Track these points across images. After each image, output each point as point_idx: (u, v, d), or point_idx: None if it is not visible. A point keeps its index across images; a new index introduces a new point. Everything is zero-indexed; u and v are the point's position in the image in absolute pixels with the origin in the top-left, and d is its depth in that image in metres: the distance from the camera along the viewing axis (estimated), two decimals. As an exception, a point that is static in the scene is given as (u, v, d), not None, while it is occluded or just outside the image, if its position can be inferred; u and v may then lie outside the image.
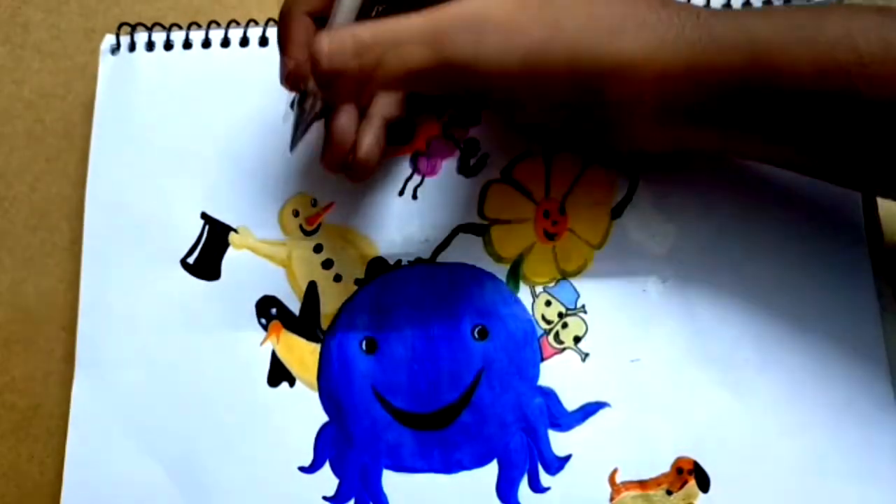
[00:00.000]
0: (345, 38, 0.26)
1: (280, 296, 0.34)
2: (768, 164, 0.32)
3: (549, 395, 0.33)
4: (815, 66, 0.27)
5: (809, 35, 0.27)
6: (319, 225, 0.35)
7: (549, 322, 0.33)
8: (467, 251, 0.34)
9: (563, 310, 0.33)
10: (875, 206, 0.33)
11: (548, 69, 0.28)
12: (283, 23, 0.30)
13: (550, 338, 0.33)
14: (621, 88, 0.28)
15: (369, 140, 0.31)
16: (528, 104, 0.29)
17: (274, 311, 0.34)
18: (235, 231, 0.35)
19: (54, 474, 0.34)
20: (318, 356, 0.34)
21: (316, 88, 0.29)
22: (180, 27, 0.37)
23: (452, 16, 0.27)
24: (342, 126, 0.31)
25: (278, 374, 0.34)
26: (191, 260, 0.35)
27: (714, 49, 0.27)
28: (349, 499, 0.32)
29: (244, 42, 0.37)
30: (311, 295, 0.34)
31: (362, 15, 0.29)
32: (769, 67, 0.27)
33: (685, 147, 0.31)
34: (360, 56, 0.26)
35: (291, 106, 0.32)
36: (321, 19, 0.30)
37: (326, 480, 0.33)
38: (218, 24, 0.37)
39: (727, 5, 0.36)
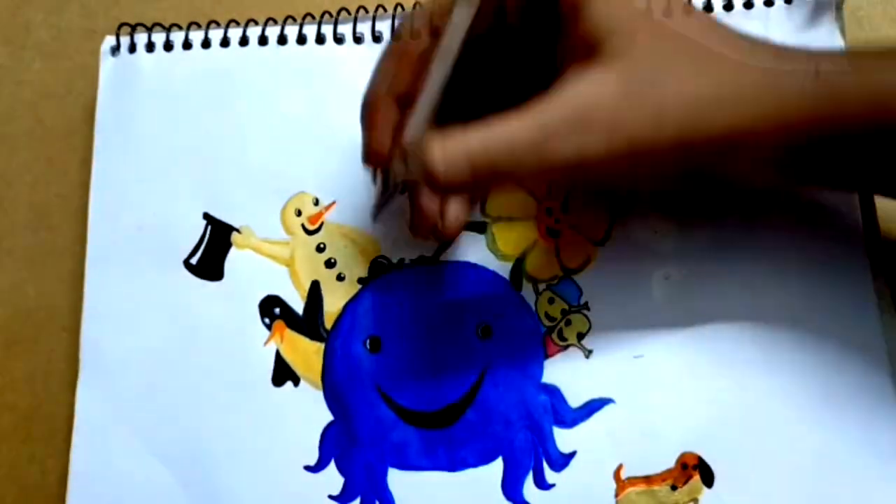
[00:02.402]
0: (458, 153, 0.26)
1: (283, 295, 0.34)
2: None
3: (554, 393, 0.33)
4: None
5: None
6: (322, 224, 0.35)
7: (552, 319, 0.33)
8: (470, 249, 0.34)
9: (567, 307, 0.33)
10: (873, 207, 0.33)
11: (655, 158, 0.27)
12: (368, 107, 0.30)
13: (554, 335, 0.33)
14: (736, 160, 0.28)
15: (454, 211, 0.31)
16: (636, 185, 0.30)
17: (277, 310, 0.34)
18: (238, 231, 0.35)
19: (55, 475, 0.34)
20: (322, 355, 0.34)
21: (400, 169, 0.29)
22: (180, 27, 0.37)
23: (558, 118, 0.26)
24: (428, 202, 0.31)
25: (283, 373, 0.34)
26: (193, 261, 0.35)
27: (839, 111, 0.26)
28: (355, 497, 0.32)
29: (244, 41, 0.37)
30: (314, 294, 0.34)
31: (448, 94, 0.28)
32: None
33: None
34: (474, 170, 0.26)
35: (373, 180, 0.32)
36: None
37: (332, 479, 0.32)
38: (217, 24, 0.37)
39: (728, 6, 0.36)
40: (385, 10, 0.37)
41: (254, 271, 0.35)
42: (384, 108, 0.30)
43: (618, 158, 0.26)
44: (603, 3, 0.27)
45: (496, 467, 0.32)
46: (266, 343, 0.34)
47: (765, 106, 0.27)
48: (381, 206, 0.32)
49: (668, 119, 0.26)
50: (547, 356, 0.33)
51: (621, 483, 0.32)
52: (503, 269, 0.34)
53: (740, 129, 0.27)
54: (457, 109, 0.28)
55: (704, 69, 0.27)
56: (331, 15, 0.37)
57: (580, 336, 0.33)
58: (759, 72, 0.27)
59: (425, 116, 0.28)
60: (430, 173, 0.26)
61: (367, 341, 0.34)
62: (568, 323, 0.33)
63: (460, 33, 0.27)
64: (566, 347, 0.33)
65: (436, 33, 0.28)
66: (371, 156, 0.30)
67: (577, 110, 0.26)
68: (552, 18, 0.28)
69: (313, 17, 0.37)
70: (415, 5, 0.37)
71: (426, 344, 0.33)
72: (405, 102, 0.29)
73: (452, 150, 0.26)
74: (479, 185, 0.27)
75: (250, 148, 0.36)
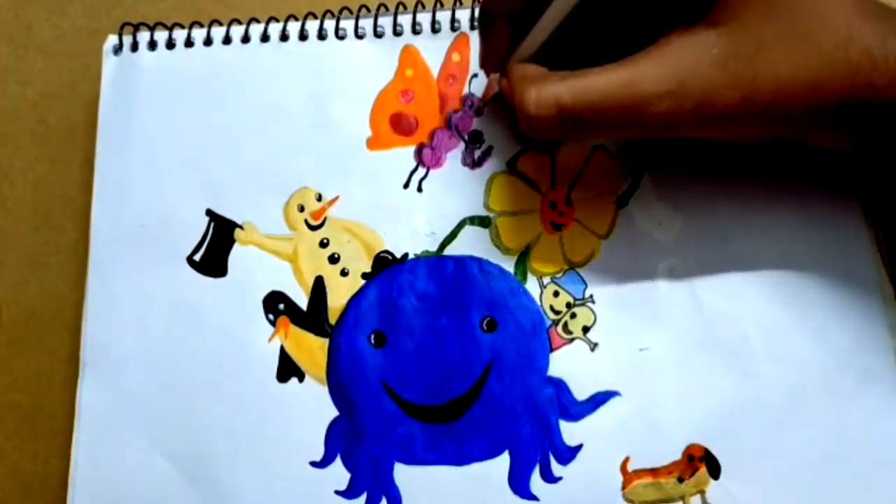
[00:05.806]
0: (549, 100, 0.28)
1: (287, 291, 0.34)
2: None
3: (560, 386, 0.33)
4: None
5: None
6: (325, 219, 0.35)
7: (557, 313, 0.33)
8: (474, 243, 0.34)
9: (572, 300, 0.33)
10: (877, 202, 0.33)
11: (742, 129, 0.28)
12: (484, 18, 0.32)
13: (559, 328, 0.33)
14: (816, 133, 0.28)
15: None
16: (719, 140, 0.30)
17: (281, 306, 0.34)
18: (241, 227, 0.35)
19: (59, 474, 0.34)
20: (326, 351, 0.34)
21: (505, 87, 0.31)
22: (182, 26, 0.38)
23: (652, 80, 0.27)
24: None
25: (287, 369, 0.33)
26: (197, 257, 0.35)
27: None
28: (361, 493, 0.32)
29: (246, 39, 0.37)
30: (318, 289, 0.34)
31: (559, 34, 0.30)
32: None
33: None
34: (562, 118, 0.28)
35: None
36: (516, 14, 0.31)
37: (338, 475, 0.32)
38: (219, 23, 0.38)
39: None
40: (387, 8, 0.37)
41: (257, 267, 0.35)
42: (499, 22, 0.31)
43: (704, 126, 0.27)
44: None
45: (503, 461, 0.32)
46: (270, 339, 0.34)
47: (854, 89, 0.26)
48: (489, 101, 0.35)
49: (758, 99, 0.27)
50: (552, 349, 0.33)
51: (628, 475, 0.32)
52: (508, 262, 0.34)
53: (825, 110, 0.27)
54: (563, 50, 0.30)
55: (805, 49, 0.26)
56: (332, 14, 0.37)
57: (585, 329, 0.33)
58: (859, 53, 0.26)
59: (531, 51, 0.30)
60: (523, 113, 0.28)
61: (372, 336, 0.34)
62: (573, 316, 0.33)
63: None
64: (571, 341, 0.33)
65: None
66: (486, 66, 0.33)
67: (673, 76, 0.27)
68: None
69: (315, 16, 0.37)
70: (417, 3, 0.37)
71: (431, 338, 0.33)
72: (516, 19, 0.31)
73: (545, 96, 0.28)
74: (567, 132, 0.28)
75: (253, 144, 0.36)
